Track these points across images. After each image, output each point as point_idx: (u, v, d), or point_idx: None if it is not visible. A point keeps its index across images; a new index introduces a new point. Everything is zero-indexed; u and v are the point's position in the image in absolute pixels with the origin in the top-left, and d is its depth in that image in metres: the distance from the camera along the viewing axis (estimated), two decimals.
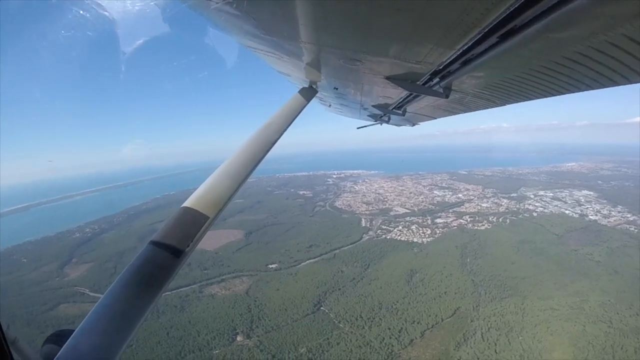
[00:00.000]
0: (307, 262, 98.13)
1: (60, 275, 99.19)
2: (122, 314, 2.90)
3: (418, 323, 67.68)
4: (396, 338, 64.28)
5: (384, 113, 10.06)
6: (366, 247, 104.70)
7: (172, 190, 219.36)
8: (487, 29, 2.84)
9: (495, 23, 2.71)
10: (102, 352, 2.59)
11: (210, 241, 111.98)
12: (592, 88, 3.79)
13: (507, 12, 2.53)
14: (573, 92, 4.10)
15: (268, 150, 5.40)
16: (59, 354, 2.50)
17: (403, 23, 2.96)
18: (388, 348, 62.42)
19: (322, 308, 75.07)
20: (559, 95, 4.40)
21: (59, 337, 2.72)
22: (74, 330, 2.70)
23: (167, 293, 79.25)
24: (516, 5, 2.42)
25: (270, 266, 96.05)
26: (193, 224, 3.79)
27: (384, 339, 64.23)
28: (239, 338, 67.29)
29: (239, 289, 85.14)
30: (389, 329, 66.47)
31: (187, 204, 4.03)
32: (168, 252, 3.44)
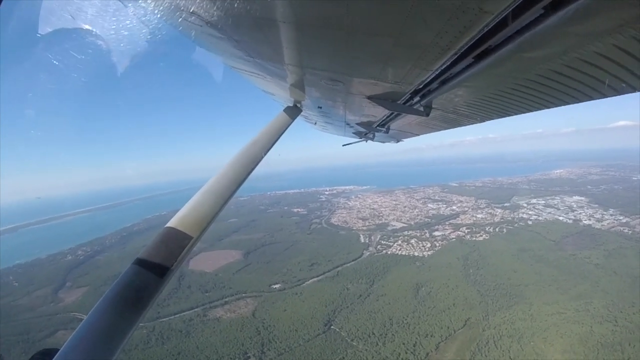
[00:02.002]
0: (311, 280, 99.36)
1: (55, 300, 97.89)
2: (106, 333, 2.98)
3: (431, 336, 69.55)
4: (412, 352, 65.92)
5: (368, 131, 10.47)
6: (368, 263, 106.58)
7: (163, 210, 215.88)
8: (462, 50, 3.04)
9: (469, 45, 2.92)
10: None
11: (209, 262, 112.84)
12: (567, 103, 4.08)
13: (480, 34, 2.71)
14: (549, 107, 4.44)
15: (253, 169, 5.49)
16: None
17: (381, 46, 3.19)
18: None
19: (332, 327, 75.97)
20: (535, 111, 4.74)
21: (44, 357, 2.81)
22: (58, 350, 2.79)
23: (169, 317, 79.66)
24: (489, 28, 2.59)
25: (274, 286, 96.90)
26: (177, 244, 3.88)
27: (399, 354, 65.74)
28: None
29: (245, 311, 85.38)
30: (404, 344, 68.01)
31: (170, 224, 4.11)
32: (152, 272, 3.55)
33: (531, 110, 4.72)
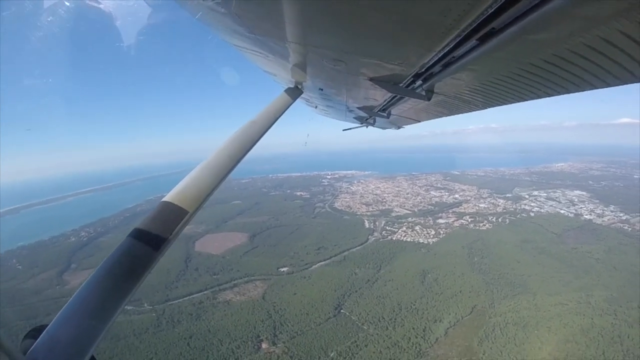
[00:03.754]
0: (318, 264, 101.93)
1: (60, 283, 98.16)
2: (99, 304, 3.02)
3: (440, 322, 72.53)
4: (422, 337, 68.50)
5: (369, 115, 10.45)
6: (374, 248, 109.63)
7: (164, 191, 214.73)
8: (466, 31, 3.02)
9: (474, 25, 2.91)
10: (77, 343, 2.71)
11: (215, 244, 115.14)
12: (570, 92, 4.00)
13: (485, 14, 2.69)
14: (552, 95, 4.33)
15: (250, 148, 5.56)
16: (32, 346, 2.58)
17: (384, 23, 3.16)
18: (416, 347, 66.49)
19: (342, 311, 78.02)
20: (538, 98, 4.66)
21: (38, 333, 2.72)
22: None
23: (178, 300, 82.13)
24: (494, 8, 2.58)
25: (282, 269, 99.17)
26: (173, 218, 3.97)
27: (410, 338, 68.22)
28: (264, 345, 69.08)
29: (254, 294, 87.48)
30: (413, 328, 70.65)
31: (167, 198, 4.18)
32: (147, 244, 3.62)
33: (534, 98, 4.77)
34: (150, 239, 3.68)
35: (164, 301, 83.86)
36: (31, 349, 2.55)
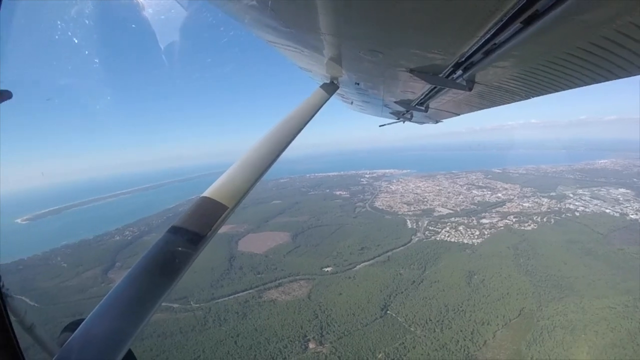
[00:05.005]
0: (362, 264, 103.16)
1: (105, 280, 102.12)
2: (136, 299, 3.07)
3: (488, 324, 73.27)
4: (470, 340, 69.42)
5: (406, 110, 10.22)
6: (418, 249, 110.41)
7: (202, 192, 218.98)
8: (508, 15, 2.89)
9: (517, 8, 2.77)
10: (113, 336, 2.75)
11: (257, 244, 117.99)
12: (621, 77, 3.80)
13: None
14: (601, 81, 4.15)
15: (287, 145, 5.50)
16: (70, 338, 2.63)
17: (423, 10, 3.06)
18: (464, 350, 67.42)
19: (388, 312, 79.11)
20: (586, 85, 4.42)
21: (76, 326, 2.78)
22: None
23: (224, 298, 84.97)
24: None
25: (326, 269, 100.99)
26: (212, 213, 4.00)
27: (458, 341, 69.14)
28: (311, 345, 70.53)
29: (299, 293, 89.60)
30: (461, 331, 71.54)
31: (206, 193, 4.24)
32: (186, 239, 3.65)
33: (581, 85, 4.48)
34: (189, 235, 3.76)
35: (210, 299, 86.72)
36: (67, 341, 2.65)
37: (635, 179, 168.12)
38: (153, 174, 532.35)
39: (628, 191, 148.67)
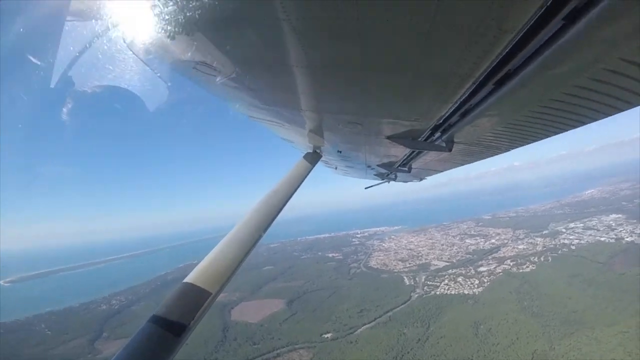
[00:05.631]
0: (363, 327, 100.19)
1: (92, 351, 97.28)
2: None
3: None
4: None
5: (389, 171, 10.28)
6: (419, 305, 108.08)
7: (194, 259, 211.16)
8: (481, 78, 3.00)
9: (489, 70, 2.87)
10: None
11: (251, 312, 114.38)
12: (597, 119, 3.88)
13: (500, 57, 2.66)
14: (577, 127, 4.24)
15: (274, 218, 5.38)
16: None
17: (398, 83, 3.21)
18: None
19: None
20: (564, 132, 4.54)
21: None
22: None
23: None
24: (509, 48, 2.54)
25: (325, 335, 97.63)
26: (195, 300, 3.80)
27: None
28: None
29: None
30: None
31: (188, 279, 4.02)
32: (169, 330, 3.47)
33: (558, 133, 4.60)
34: (172, 325, 3.58)
35: None
36: None
37: (624, 202, 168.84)
38: (149, 239, 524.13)
39: (619, 215, 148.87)
